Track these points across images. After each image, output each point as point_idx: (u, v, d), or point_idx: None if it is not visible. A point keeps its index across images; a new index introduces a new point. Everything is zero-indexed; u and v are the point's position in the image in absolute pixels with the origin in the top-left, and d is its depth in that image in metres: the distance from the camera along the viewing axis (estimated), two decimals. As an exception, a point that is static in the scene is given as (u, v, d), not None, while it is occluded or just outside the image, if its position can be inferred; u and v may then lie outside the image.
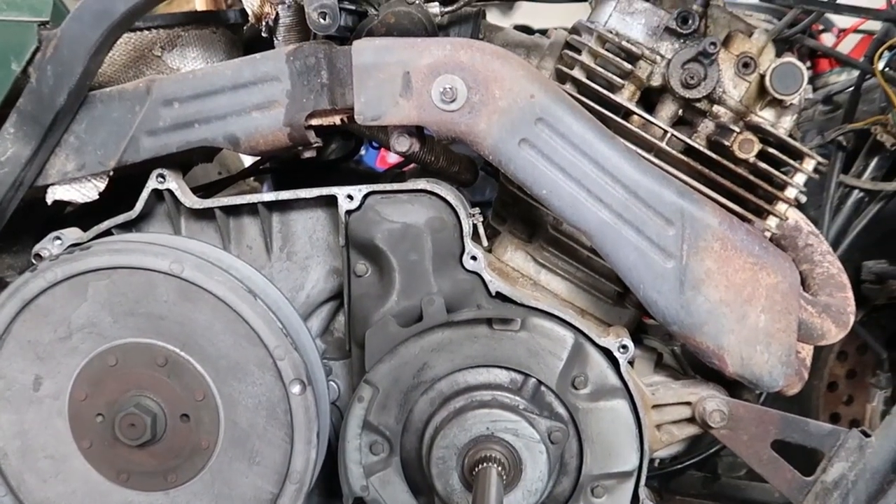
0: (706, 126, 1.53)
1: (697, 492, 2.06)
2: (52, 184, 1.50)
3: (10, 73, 1.42)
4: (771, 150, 1.48)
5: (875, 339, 2.32)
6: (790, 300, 1.45)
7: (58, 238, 1.46)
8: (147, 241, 1.44)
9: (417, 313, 1.46)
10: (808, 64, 3.23)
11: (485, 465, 1.38)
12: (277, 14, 1.52)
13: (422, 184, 1.49)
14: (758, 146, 1.46)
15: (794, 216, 1.61)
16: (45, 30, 1.42)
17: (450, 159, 1.63)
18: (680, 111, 1.53)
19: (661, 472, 2.00)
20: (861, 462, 1.46)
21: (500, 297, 1.48)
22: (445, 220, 1.48)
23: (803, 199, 1.51)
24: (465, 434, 1.43)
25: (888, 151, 2.18)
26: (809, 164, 1.50)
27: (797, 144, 1.49)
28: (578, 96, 1.48)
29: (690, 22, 1.47)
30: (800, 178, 1.51)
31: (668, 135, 1.49)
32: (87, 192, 1.51)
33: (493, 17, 1.82)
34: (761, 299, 1.43)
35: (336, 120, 1.46)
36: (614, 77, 1.49)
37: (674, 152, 1.48)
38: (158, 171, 1.49)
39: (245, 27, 1.69)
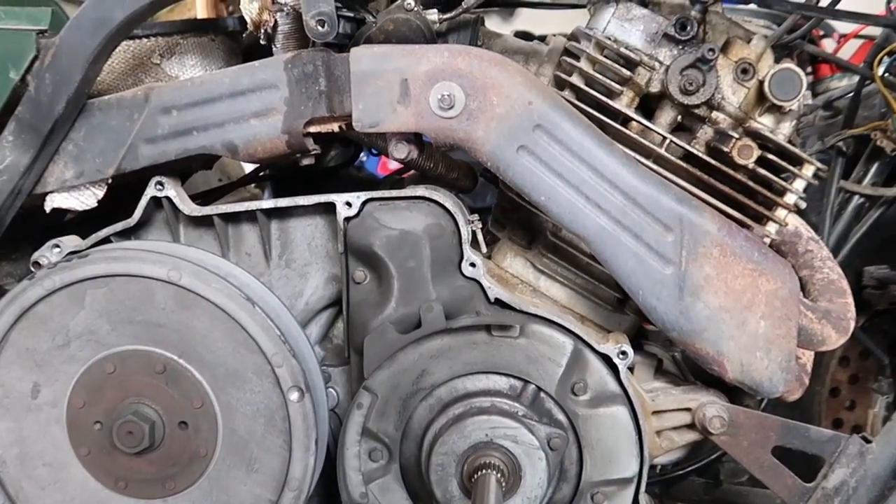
0: (705, 132, 1.53)
1: (699, 498, 2.05)
2: (51, 191, 1.50)
3: (9, 82, 1.43)
4: (770, 156, 1.48)
5: (877, 344, 2.32)
6: (790, 306, 1.44)
7: (56, 246, 1.46)
8: (145, 248, 1.44)
9: (416, 320, 1.46)
10: (809, 69, 3.23)
11: (484, 471, 1.38)
12: (276, 21, 1.52)
13: (420, 190, 1.49)
14: (757, 152, 1.46)
15: (794, 222, 1.61)
16: (43, 38, 1.42)
17: (449, 166, 1.63)
18: (679, 117, 1.53)
19: (662, 478, 2.00)
20: (862, 468, 1.46)
21: (499, 303, 1.48)
22: (444, 227, 1.48)
23: (803, 204, 1.51)
24: (465, 441, 1.42)
25: (888, 157, 2.17)
26: (809, 170, 1.50)
27: (796, 150, 1.49)
28: (577, 103, 1.48)
29: (689, 28, 1.47)
30: (799, 184, 1.51)
31: (667, 141, 1.49)
32: (85, 199, 1.51)
33: (494, 23, 1.82)
34: (761, 305, 1.43)
35: (334, 127, 1.46)
36: (613, 83, 1.49)
37: (673, 158, 1.48)
38: (157, 178, 1.49)
39: (244, 35, 1.69)
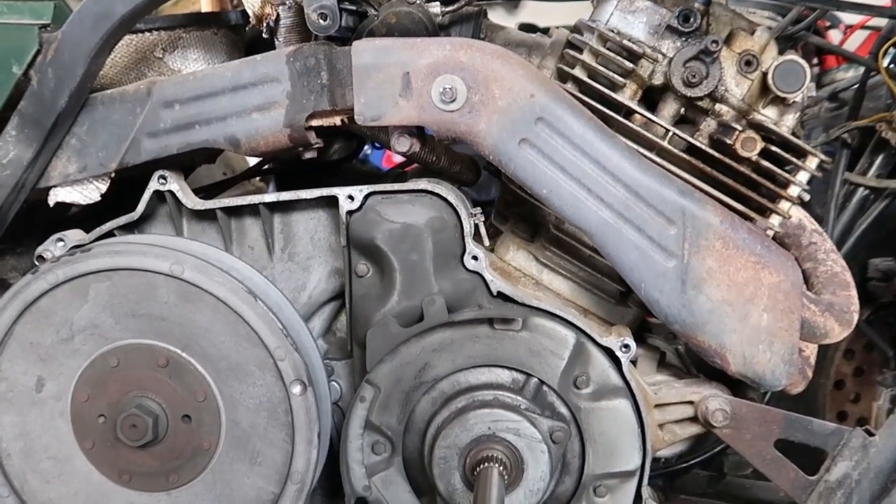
0: (708, 124, 1.52)
1: (703, 491, 2.05)
2: (54, 186, 1.50)
3: (12, 76, 1.43)
4: (774, 148, 1.48)
5: (882, 336, 2.31)
6: (793, 299, 1.44)
7: (60, 240, 1.46)
8: (147, 242, 1.44)
9: (418, 313, 1.46)
10: (816, 60, 3.22)
11: (486, 464, 1.38)
12: (278, 15, 1.52)
13: (422, 184, 1.49)
14: (760, 144, 1.45)
15: (798, 214, 1.60)
16: (46, 33, 1.43)
17: (451, 159, 1.62)
18: (682, 110, 1.53)
19: (666, 471, 2.00)
20: (865, 461, 1.45)
21: (501, 296, 1.48)
22: (446, 220, 1.48)
23: (806, 197, 1.51)
24: (467, 434, 1.42)
25: (893, 149, 2.17)
26: (812, 162, 1.50)
27: (800, 142, 1.49)
28: (580, 95, 1.48)
29: (692, 20, 1.47)
30: (803, 177, 1.50)
31: (670, 133, 1.48)
32: (88, 193, 1.51)
33: (498, 15, 1.82)
34: (763, 298, 1.43)
35: (336, 121, 1.46)
36: (616, 76, 1.49)
37: (676, 151, 1.48)
38: (160, 172, 1.49)
39: (246, 28, 1.69)
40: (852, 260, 1.69)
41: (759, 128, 1.48)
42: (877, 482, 1.45)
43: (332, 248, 1.55)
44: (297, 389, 1.39)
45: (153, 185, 1.49)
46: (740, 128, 1.45)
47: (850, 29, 3.33)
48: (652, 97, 1.54)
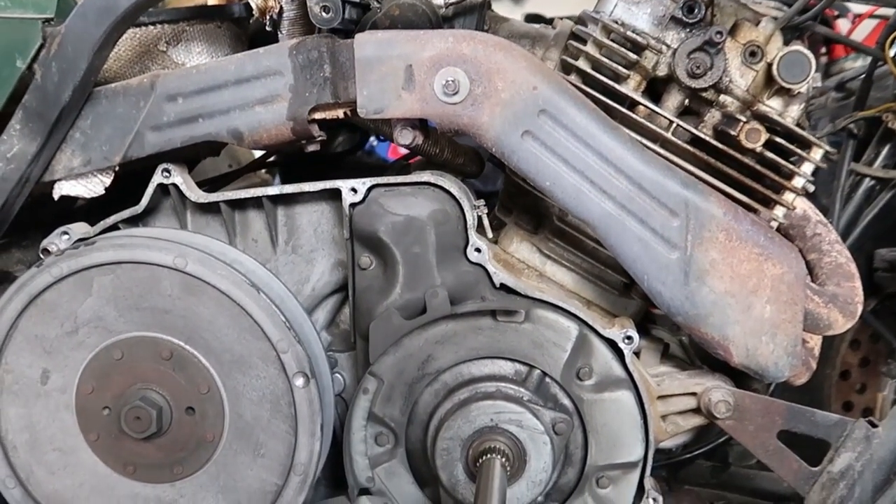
0: (713, 116, 1.52)
1: (706, 481, 2.05)
2: (59, 179, 1.51)
3: (15, 70, 1.43)
4: (778, 139, 1.47)
5: (887, 327, 2.30)
6: (796, 291, 1.44)
7: (65, 233, 1.47)
8: (151, 235, 1.45)
9: (421, 305, 1.47)
10: (824, 50, 3.20)
11: (489, 456, 1.39)
12: (281, 8, 1.52)
13: (425, 176, 1.49)
14: (765, 135, 1.45)
15: (802, 205, 1.59)
16: (49, 26, 1.43)
17: (455, 151, 1.62)
18: (686, 101, 1.53)
19: (669, 462, 2.00)
20: (868, 452, 1.46)
21: (504, 288, 1.48)
22: (449, 213, 1.48)
23: (811, 188, 1.50)
24: (470, 425, 1.43)
25: (900, 139, 2.16)
26: (817, 154, 1.49)
27: (805, 133, 1.48)
28: (583, 87, 1.48)
29: (696, 11, 1.46)
30: (807, 168, 1.50)
31: (674, 125, 1.48)
32: (93, 187, 1.52)
33: (504, 6, 1.81)
34: (767, 290, 1.42)
35: (339, 114, 1.46)
36: (620, 67, 1.48)
37: (680, 142, 1.48)
38: (164, 165, 1.49)
39: (250, 21, 1.69)
40: (858, 250, 1.68)
41: (763, 119, 1.48)
42: (880, 473, 1.45)
43: (336, 240, 1.56)
44: (299, 382, 1.40)
45: (157, 178, 1.50)
46: (745, 119, 1.45)
47: (858, 18, 3.30)
48: (656, 89, 1.54)
